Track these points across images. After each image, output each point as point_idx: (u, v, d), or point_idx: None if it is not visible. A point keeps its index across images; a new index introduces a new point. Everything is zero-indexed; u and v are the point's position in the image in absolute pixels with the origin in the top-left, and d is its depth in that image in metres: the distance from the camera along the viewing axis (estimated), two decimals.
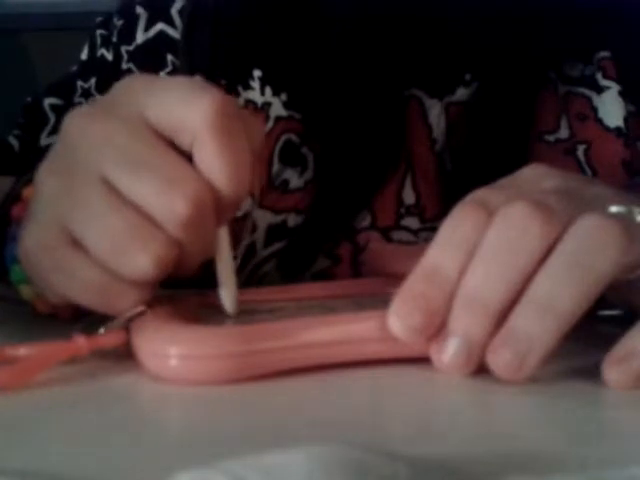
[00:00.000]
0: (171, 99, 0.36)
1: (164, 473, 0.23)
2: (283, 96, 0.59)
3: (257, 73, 0.59)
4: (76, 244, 0.36)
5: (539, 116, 0.57)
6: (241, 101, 0.58)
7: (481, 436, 0.30)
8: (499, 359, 0.34)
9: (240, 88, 0.59)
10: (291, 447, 0.23)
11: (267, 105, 0.59)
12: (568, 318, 0.33)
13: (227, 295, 0.39)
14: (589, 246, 0.34)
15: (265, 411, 0.33)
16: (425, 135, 0.58)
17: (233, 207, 0.38)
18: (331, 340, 0.36)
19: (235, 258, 0.40)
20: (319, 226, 0.57)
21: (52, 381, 0.35)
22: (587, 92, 0.57)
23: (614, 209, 0.37)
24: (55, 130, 0.63)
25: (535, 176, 0.39)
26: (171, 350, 0.35)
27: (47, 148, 0.39)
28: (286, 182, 0.57)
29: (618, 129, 0.55)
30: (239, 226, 0.56)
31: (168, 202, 0.35)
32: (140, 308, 0.37)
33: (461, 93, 0.58)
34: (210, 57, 0.60)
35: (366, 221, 0.57)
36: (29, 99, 0.67)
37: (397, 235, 0.57)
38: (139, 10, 0.63)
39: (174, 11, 0.62)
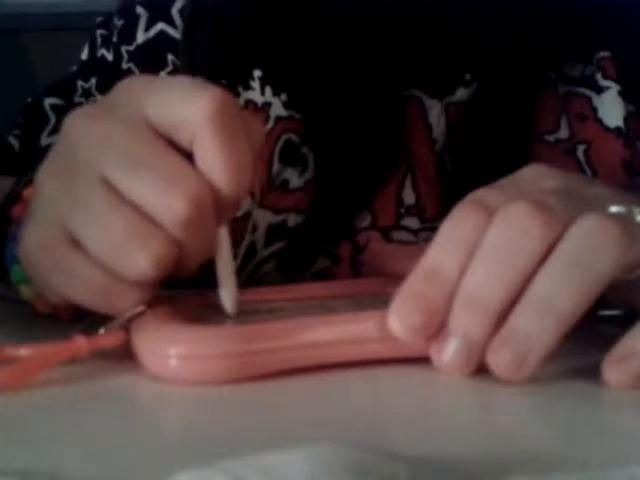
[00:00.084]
0: (171, 98, 0.36)
1: (164, 473, 0.23)
2: (283, 96, 0.59)
3: (257, 73, 0.59)
4: (76, 244, 0.36)
5: (539, 116, 0.57)
6: (241, 101, 0.58)
7: (481, 436, 0.30)
8: (499, 359, 0.34)
9: (240, 88, 0.59)
10: (291, 447, 0.23)
11: (267, 105, 0.59)
12: (568, 318, 0.33)
13: (227, 295, 0.39)
14: (589, 246, 0.34)
15: (265, 411, 0.33)
16: (425, 135, 0.58)
17: (233, 207, 0.38)
18: (331, 340, 0.36)
19: (235, 258, 0.40)
20: (319, 226, 0.57)
21: (52, 381, 0.35)
22: (587, 92, 0.57)
23: (614, 209, 0.37)
24: (55, 130, 0.63)
25: (535, 176, 0.39)
26: (171, 350, 0.35)
27: (47, 148, 0.39)
28: (286, 182, 0.57)
29: (618, 129, 0.55)
30: (239, 226, 0.56)
31: (168, 202, 0.35)
32: (140, 308, 0.37)
33: (461, 93, 0.58)
34: (210, 57, 0.60)
35: (366, 221, 0.57)
36: (29, 99, 0.67)
37: (397, 235, 0.57)
38: (139, 10, 0.63)
39: (174, 11, 0.62)
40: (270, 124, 0.58)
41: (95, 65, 0.65)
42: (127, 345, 0.37)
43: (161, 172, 0.35)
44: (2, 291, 0.46)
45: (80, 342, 0.36)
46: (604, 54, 0.57)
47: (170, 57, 0.62)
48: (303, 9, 0.59)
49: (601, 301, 0.35)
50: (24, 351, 0.36)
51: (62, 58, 0.78)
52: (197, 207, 0.35)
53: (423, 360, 0.36)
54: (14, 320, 0.45)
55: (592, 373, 0.35)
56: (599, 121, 0.56)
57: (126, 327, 0.37)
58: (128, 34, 0.63)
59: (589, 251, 0.34)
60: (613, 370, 0.34)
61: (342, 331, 0.36)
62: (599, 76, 0.56)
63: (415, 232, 0.57)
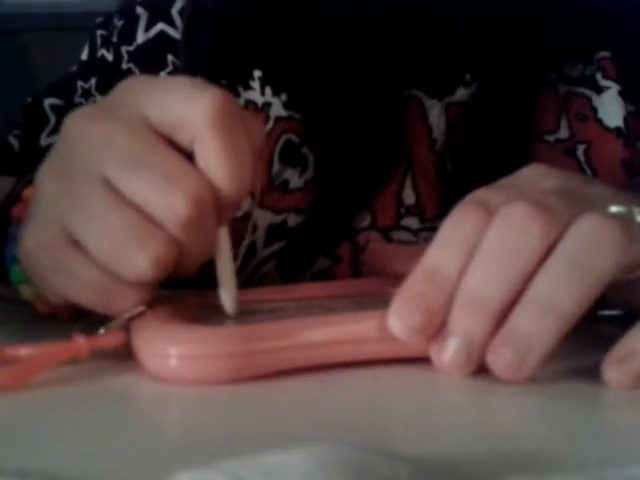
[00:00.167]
0: (172, 98, 0.36)
1: (164, 473, 0.23)
2: (283, 96, 0.59)
3: (257, 73, 0.59)
4: (76, 244, 0.36)
5: (539, 116, 0.57)
6: (241, 101, 0.58)
7: (481, 436, 0.30)
8: (499, 359, 0.34)
9: (240, 88, 0.59)
10: (291, 447, 0.23)
11: (267, 105, 0.59)
12: (568, 318, 0.33)
13: (227, 295, 0.39)
14: (589, 246, 0.34)
15: (265, 411, 0.33)
16: (425, 135, 0.58)
17: (233, 207, 0.38)
18: (331, 340, 0.36)
19: (235, 258, 0.40)
20: (319, 226, 0.57)
21: (52, 381, 0.35)
22: (587, 92, 0.57)
23: (614, 209, 0.37)
24: (55, 130, 0.63)
25: (535, 176, 0.39)
26: (171, 350, 0.35)
27: (47, 148, 0.39)
28: (286, 182, 0.57)
29: (618, 129, 0.55)
30: (239, 226, 0.56)
31: (168, 201, 0.35)
32: (140, 308, 0.37)
33: (461, 93, 0.58)
34: (210, 57, 0.60)
35: (366, 221, 0.57)
36: (29, 99, 0.67)
37: (397, 235, 0.57)
38: (139, 10, 0.63)
39: (174, 11, 0.62)
40: (270, 124, 0.58)
41: (95, 65, 0.65)
42: (127, 345, 0.37)
43: (161, 172, 0.35)
44: (2, 291, 0.46)
45: (80, 342, 0.36)
46: (604, 54, 0.57)
47: (170, 57, 0.62)
48: (303, 9, 0.59)
49: (601, 301, 0.35)
50: (24, 351, 0.36)
51: (62, 58, 0.78)
52: (197, 207, 0.35)
53: (423, 360, 0.36)
54: (14, 320, 0.45)
55: (592, 373, 0.35)
56: (599, 121, 0.56)
57: (126, 327, 0.37)
58: (128, 34, 0.63)
59: (589, 251, 0.34)
60: (613, 370, 0.34)
61: (342, 331, 0.36)
62: (599, 76, 0.56)
63: (415, 232, 0.57)
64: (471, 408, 0.35)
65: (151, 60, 0.62)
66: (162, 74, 0.61)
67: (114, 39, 0.64)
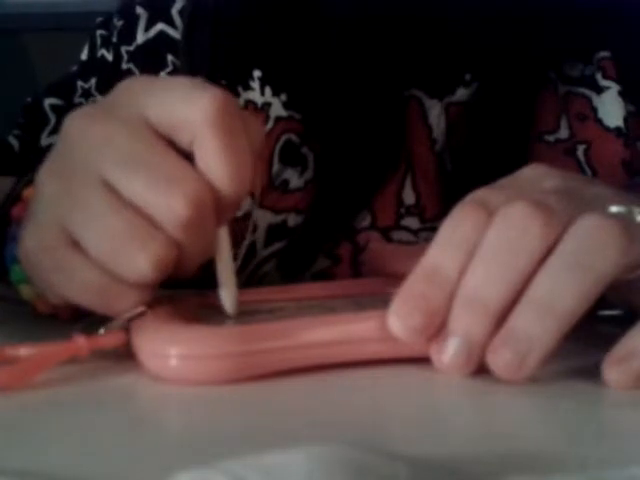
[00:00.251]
0: (172, 98, 0.36)
1: (164, 473, 0.23)
2: (283, 96, 0.59)
3: (257, 73, 0.59)
4: (76, 245, 0.36)
5: (539, 116, 0.57)
6: (241, 101, 0.58)
7: (481, 436, 0.30)
8: (499, 359, 0.34)
9: (240, 88, 0.59)
10: (291, 447, 0.23)
11: (267, 105, 0.59)
12: (568, 318, 0.33)
13: (227, 296, 0.39)
14: (589, 246, 0.34)
15: (265, 411, 0.33)
16: (425, 135, 0.58)
17: (233, 207, 0.38)
18: (331, 340, 0.36)
19: (236, 258, 0.40)
20: (319, 226, 0.57)
21: (52, 381, 0.35)
22: (587, 92, 0.57)
23: (614, 209, 0.37)
24: (55, 130, 0.63)
25: (535, 176, 0.39)
26: (171, 350, 0.35)
27: (47, 148, 0.39)
28: (286, 182, 0.57)
29: (618, 129, 0.55)
30: (240, 226, 0.56)
31: (168, 202, 0.35)
32: (140, 308, 0.37)
33: (461, 93, 0.58)
34: (210, 57, 0.60)
35: (366, 221, 0.57)
36: (29, 99, 0.67)
37: (397, 235, 0.57)
38: (139, 10, 0.63)
39: (174, 11, 0.62)
40: (270, 124, 0.58)
41: (95, 65, 0.65)
42: (127, 345, 0.37)
43: (161, 173, 0.35)
44: (2, 291, 0.46)
45: (80, 342, 0.36)
46: (604, 54, 0.57)
47: (170, 57, 0.62)
48: (303, 9, 0.59)
49: (601, 301, 0.35)
50: (24, 351, 0.36)
51: (62, 58, 0.78)
52: (197, 208, 0.35)
53: (423, 360, 0.36)
54: (14, 320, 0.45)
55: (592, 373, 0.35)
56: (599, 121, 0.56)
57: (126, 327, 0.37)
58: (128, 34, 0.63)
59: (589, 251, 0.34)
60: (613, 370, 0.34)
61: (342, 331, 0.36)
62: (599, 76, 0.56)
63: (415, 232, 0.57)
64: (471, 408, 0.35)
65: (151, 60, 0.62)
66: (162, 74, 0.61)
67: (114, 39, 0.64)
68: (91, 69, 0.65)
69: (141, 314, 0.37)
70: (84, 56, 0.66)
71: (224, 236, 0.39)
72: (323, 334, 0.36)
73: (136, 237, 0.35)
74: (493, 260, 0.34)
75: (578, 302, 0.33)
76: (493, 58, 0.57)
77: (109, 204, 0.35)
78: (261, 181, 0.57)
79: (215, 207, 0.36)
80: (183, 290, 0.42)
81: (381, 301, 0.37)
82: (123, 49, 0.63)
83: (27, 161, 0.53)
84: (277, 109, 0.58)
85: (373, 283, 0.46)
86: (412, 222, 0.57)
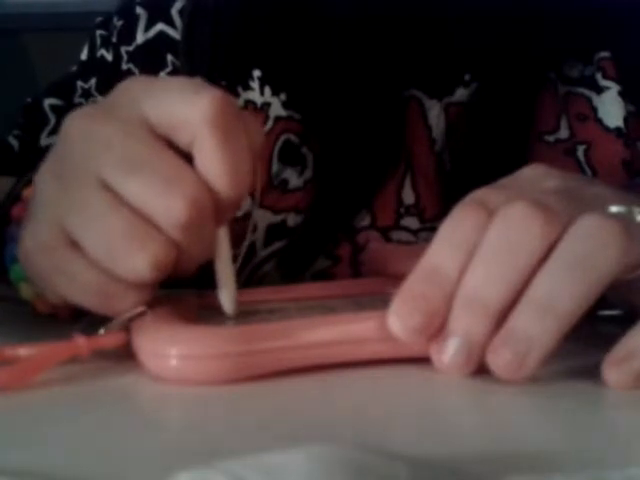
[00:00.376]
0: (171, 99, 0.36)
1: (164, 473, 0.23)
2: (282, 96, 0.59)
3: (256, 73, 0.59)
4: (75, 245, 0.36)
5: (539, 116, 0.57)
6: (241, 101, 0.58)
7: (481, 436, 0.30)
8: (499, 359, 0.34)
9: (240, 88, 0.59)
10: (291, 447, 0.23)
11: (266, 105, 0.59)
12: (568, 318, 0.33)
13: (226, 296, 0.39)
14: (589, 246, 0.34)
15: (265, 411, 0.33)
16: (425, 135, 0.58)
17: (232, 207, 0.38)
18: (331, 340, 0.36)
19: (236, 258, 0.40)
20: (319, 226, 0.57)
21: (52, 381, 0.35)
22: (587, 92, 0.57)
23: (614, 209, 0.37)
24: (55, 130, 0.63)
25: (535, 176, 0.39)
26: (171, 350, 0.35)
27: (47, 148, 0.39)
28: (286, 182, 0.57)
29: (618, 129, 0.55)
30: (240, 226, 0.56)
31: (167, 204, 0.35)
32: (140, 308, 0.37)
33: (460, 93, 0.58)
34: (210, 57, 0.60)
35: (366, 221, 0.57)
36: (29, 99, 0.67)
37: (397, 235, 0.57)
38: (139, 10, 0.63)
39: (174, 11, 0.62)
40: (269, 124, 0.58)
41: (95, 65, 0.65)
42: (127, 345, 0.37)
43: (160, 174, 0.35)
44: (2, 291, 0.46)
45: (80, 342, 0.36)
46: (604, 54, 0.57)
47: (170, 57, 0.62)
48: (303, 9, 0.59)
49: (601, 301, 0.35)
50: (24, 351, 0.36)
51: (62, 58, 0.78)
52: (196, 209, 0.35)
53: (423, 360, 0.36)
54: (14, 320, 0.45)
55: (592, 373, 0.35)
56: (599, 121, 0.56)
57: (126, 327, 0.37)
58: (128, 34, 0.63)
59: (589, 251, 0.34)
60: (613, 370, 0.34)
61: (342, 331, 0.36)
62: (599, 76, 0.56)
63: (415, 232, 0.57)
64: (471, 408, 0.35)
65: (151, 60, 0.62)
66: (162, 74, 0.61)
67: (114, 39, 0.64)
68: (91, 69, 0.65)
69: (141, 314, 0.37)
70: (84, 56, 0.66)
71: (223, 236, 0.39)
72: (323, 334, 0.36)
73: (135, 238, 0.35)
74: (493, 260, 0.34)
75: (578, 302, 0.33)
76: (493, 58, 0.57)
77: (108, 205, 0.35)
78: (261, 181, 0.57)
79: (214, 208, 0.36)
80: (183, 290, 0.42)
81: (381, 301, 0.37)
82: (123, 49, 0.63)
83: (27, 161, 0.53)
84: (277, 109, 0.58)
85: (373, 283, 0.46)
86: (412, 222, 0.57)
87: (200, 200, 0.35)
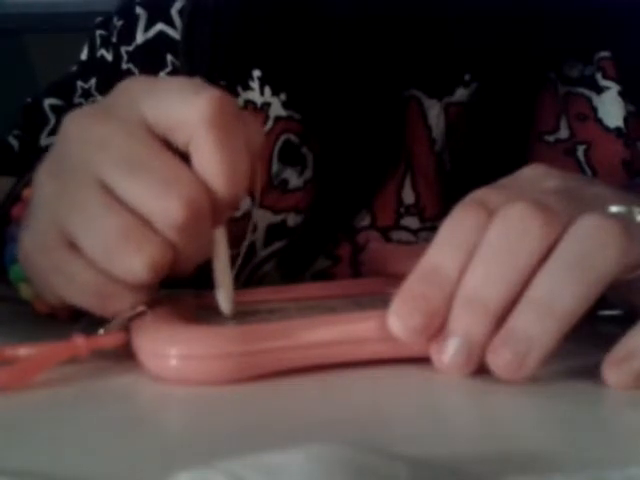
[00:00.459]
0: (169, 99, 0.36)
1: (164, 473, 0.23)
2: (282, 96, 0.59)
3: (256, 73, 0.59)
4: (73, 246, 0.36)
5: (539, 116, 0.57)
6: (240, 101, 0.58)
7: (481, 436, 0.30)
8: (499, 359, 0.34)
9: (240, 88, 0.59)
10: (291, 447, 0.23)
11: (266, 105, 0.59)
12: (568, 318, 0.33)
13: (224, 296, 0.39)
14: (589, 246, 0.34)
15: (265, 411, 0.33)
16: (425, 135, 0.58)
17: (230, 208, 0.38)
18: (331, 340, 0.36)
19: (236, 258, 0.40)
20: (319, 226, 0.57)
21: (52, 381, 0.35)
22: (587, 92, 0.57)
23: (614, 209, 0.37)
24: (55, 131, 0.63)
25: (535, 176, 0.39)
26: (171, 350, 0.35)
27: (47, 148, 0.39)
28: (285, 182, 0.57)
29: (618, 129, 0.55)
30: (240, 226, 0.56)
31: (164, 205, 0.35)
32: (140, 308, 0.37)
33: (460, 93, 0.58)
34: (210, 57, 0.60)
35: (366, 221, 0.57)
36: (29, 99, 0.67)
37: (397, 235, 0.57)
38: (139, 10, 0.63)
39: (174, 11, 0.62)
40: (269, 124, 0.58)
41: (94, 65, 0.65)
42: (127, 345, 0.37)
43: (157, 175, 0.35)
44: (2, 291, 0.46)
45: (80, 342, 0.36)
46: (604, 54, 0.57)
47: (169, 58, 0.62)
48: (303, 9, 0.59)
49: (601, 301, 0.35)
50: (24, 351, 0.36)
51: (62, 58, 0.78)
52: (193, 210, 0.35)
53: (423, 360, 0.36)
54: (14, 320, 0.45)
55: (592, 373, 0.35)
56: (599, 121, 0.56)
57: (126, 327, 0.37)
58: (127, 34, 0.63)
59: (589, 251, 0.34)
60: (613, 370, 0.34)
61: (342, 331, 0.36)
62: (599, 76, 0.56)
63: (415, 232, 0.57)
64: (471, 408, 0.35)
65: (150, 60, 0.62)
66: (162, 74, 0.61)
67: (113, 39, 0.64)
68: (91, 69, 0.65)
69: (141, 314, 0.37)
70: (84, 56, 0.66)
71: (221, 237, 0.39)
72: (323, 334, 0.36)
73: (132, 239, 0.35)
74: (493, 260, 0.34)
75: (578, 302, 0.33)
76: (493, 58, 0.57)
77: (106, 205, 0.35)
78: (261, 181, 0.57)
79: (211, 208, 0.36)
80: (182, 290, 0.42)
81: (381, 301, 0.37)
82: (123, 49, 0.63)
83: (27, 161, 0.53)
84: (276, 109, 0.58)
85: (373, 283, 0.46)
86: (412, 222, 0.57)
87: (197, 201, 0.35)
